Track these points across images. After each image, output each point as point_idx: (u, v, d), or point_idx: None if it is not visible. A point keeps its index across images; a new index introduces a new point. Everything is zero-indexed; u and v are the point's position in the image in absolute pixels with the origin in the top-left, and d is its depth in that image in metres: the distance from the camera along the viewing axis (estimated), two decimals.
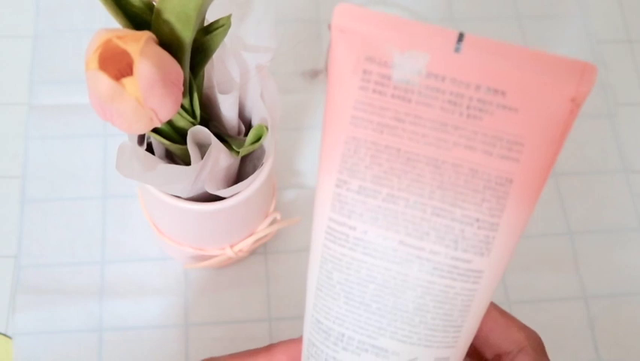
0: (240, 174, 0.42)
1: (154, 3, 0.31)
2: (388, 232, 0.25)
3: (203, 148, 0.36)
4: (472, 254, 0.25)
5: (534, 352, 0.30)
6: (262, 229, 0.45)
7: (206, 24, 0.34)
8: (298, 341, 0.31)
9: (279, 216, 0.46)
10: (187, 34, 0.31)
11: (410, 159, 0.24)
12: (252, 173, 0.39)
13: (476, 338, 0.31)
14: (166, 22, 0.31)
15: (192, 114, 0.35)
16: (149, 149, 0.39)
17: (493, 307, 0.31)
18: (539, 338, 0.31)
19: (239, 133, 0.40)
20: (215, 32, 0.33)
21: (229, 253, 0.45)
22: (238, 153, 0.37)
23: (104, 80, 0.28)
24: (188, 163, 0.36)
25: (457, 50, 0.23)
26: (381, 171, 0.25)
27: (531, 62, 0.23)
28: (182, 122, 0.35)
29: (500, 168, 0.24)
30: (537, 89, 0.23)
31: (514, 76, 0.23)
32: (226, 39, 0.34)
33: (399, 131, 0.24)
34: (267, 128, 0.37)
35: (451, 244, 0.25)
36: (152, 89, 0.29)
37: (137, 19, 0.32)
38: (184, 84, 0.32)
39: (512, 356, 0.30)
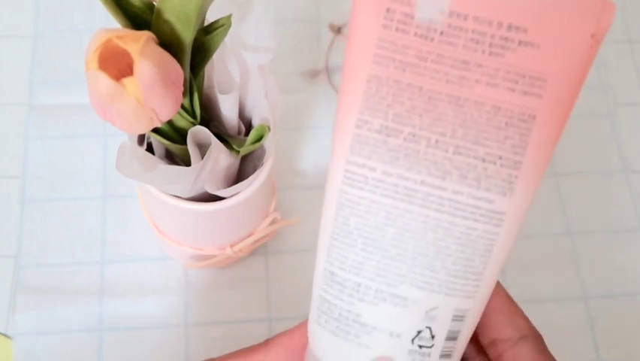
0: (240, 174, 0.42)
1: (154, 3, 0.31)
2: (410, 172, 0.25)
3: (203, 148, 0.36)
4: (495, 194, 0.25)
5: (536, 342, 0.29)
6: (262, 229, 0.45)
7: (206, 24, 0.34)
8: (295, 331, 0.30)
9: (279, 216, 0.46)
10: (187, 34, 0.31)
11: (432, 97, 0.24)
12: (252, 173, 0.39)
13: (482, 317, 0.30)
14: (166, 22, 0.31)
15: (192, 114, 0.35)
16: (149, 149, 0.39)
17: (500, 288, 0.30)
18: (541, 335, 0.30)
19: (239, 133, 0.40)
20: (215, 32, 0.33)
21: (229, 253, 0.45)
22: (238, 153, 0.37)
23: (104, 80, 0.28)
24: (188, 163, 0.36)
25: None
26: (403, 110, 0.25)
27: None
28: (182, 122, 0.35)
29: (523, 104, 0.24)
30: (558, 25, 0.23)
31: (536, 12, 0.23)
32: (226, 39, 0.34)
33: (421, 70, 0.24)
34: (267, 128, 0.37)
35: (473, 183, 0.25)
36: (152, 89, 0.29)
37: (137, 19, 0.32)
38: (184, 84, 0.32)
39: (512, 342, 0.30)
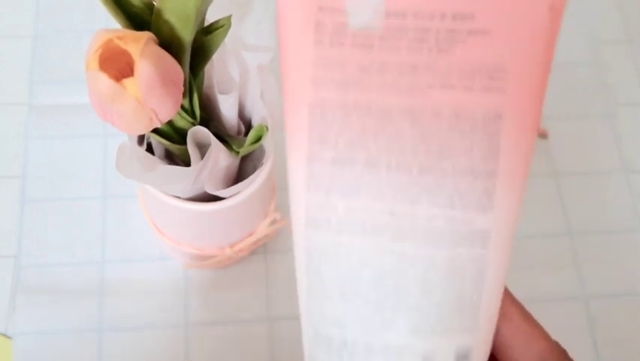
0: (240, 174, 0.42)
1: (154, 3, 0.31)
2: (375, 204, 0.22)
3: (203, 148, 0.36)
4: (474, 211, 0.22)
5: None
6: (262, 229, 0.45)
7: (206, 24, 0.34)
8: None
9: (279, 216, 0.46)
10: (187, 35, 0.31)
11: (384, 113, 0.21)
12: (252, 173, 0.39)
13: (494, 346, 0.27)
14: (166, 23, 0.31)
15: (192, 114, 0.35)
16: (149, 149, 0.39)
17: (515, 308, 0.27)
18: (563, 349, 0.27)
19: (239, 133, 0.40)
20: (215, 32, 0.33)
21: (229, 253, 0.45)
22: (238, 153, 0.37)
23: (105, 81, 0.28)
24: (188, 163, 0.36)
25: None
26: (354, 135, 0.22)
27: None
28: (182, 122, 0.35)
29: (485, 102, 0.21)
30: (508, 3, 0.20)
31: None
32: (226, 39, 0.34)
33: (366, 85, 0.21)
34: (267, 128, 0.37)
35: (447, 204, 0.22)
36: (152, 90, 0.29)
37: (137, 19, 0.32)
38: (184, 84, 0.32)
39: None
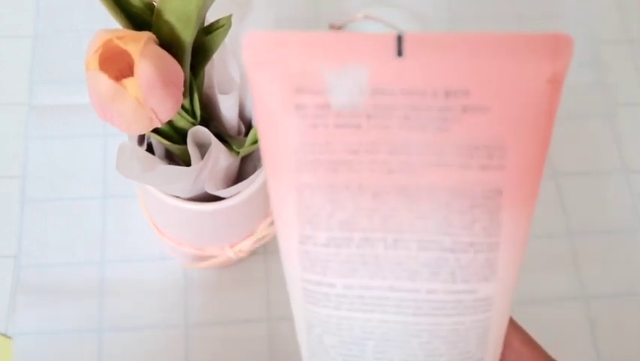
0: (240, 174, 0.42)
1: (154, 3, 0.31)
2: (374, 281, 0.21)
3: (203, 148, 0.36)
4: (476, 283, 0.21)
5: None
6: (262, 229, 0.45)
7: (206, 24, 0.34)
8: None
9: None
10: (187, 35, 0.31)
11: (377, 194, 0.20)
12: (252, 173, 0.39)
13: None
14: (166, 23, 0.31)
15: (192, 114, 0.35)
16: (149, 149, 0.39)
17: (518, 336, 0.27)
18: None
19: (239, 133, 0.40)
20: (215, 32, 0.33)
21: (229, 253, 0.45)
22: (238, 153, 0.37)
23: (105, 81, 0.28)
24: (188, 163, 0.36)
25: (399, 54, 0.19)
26: (347, 216, 0.21)
27: (489, 48, 0.19)
28: (182, 122, 0.35)
29: (484, 180, 0.20)
30: (504, 77, 0.19)
31: (473, 68, 0.19)
32: (226, 39, 0.34)
33: (355, 165, 0.20)
34: None
35: (448, 278, 0.21)
36: (152, 90, 0.29)
37: (137, 20, 0.32)
38: (184, 84, 0.32)
39: None
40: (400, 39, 0.19)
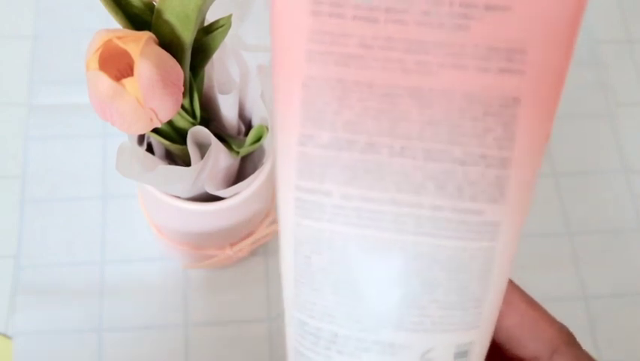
0: (240, 174, 0.42)
1: (154, 3, 0.31)
2: (374, 191, 0.20)
3: (203, 148, 0.36)
4: (483, 202, 0.20)
5: (568, 349, 0.25)
6: (262, 229, 0.45)
7: (206, 24, 0.34)
8: None
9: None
10: (187, 35, 0.31)
11: (387, 93, 0.19)
12: (252, 173, 0.39)
13: (499, 335, 0.25)
14: (166, 23, 0.31)
15: (192, 114, 0.35)
16: (149, 149, 0.39)
17: (519, 295, 0.26)
18: (569, 331, 0.26)
19: (239, 133, 0.40)
20: (215, 32, 0.33)
21: (229, 253, 0.45)
22: (238, 153, 0.37)
23: (105, 81, 0.28)
24: (188, 163, 0.36)
25: None
26: (353, 115, 0.20)
27: None
28: (182, 122, 0.35)
29: (502, 85, 0.19)
30: None
31: None
32: (226, 39, 0.34)
33: (369, 61, 0.19)
34: (267, 129, 0.37)
35: (455, 194, 0.20)
36: (152, 90, 0.29)
37: (137, 20, 0.32)
38: (184, 84, 0.32)
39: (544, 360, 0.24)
40: None
